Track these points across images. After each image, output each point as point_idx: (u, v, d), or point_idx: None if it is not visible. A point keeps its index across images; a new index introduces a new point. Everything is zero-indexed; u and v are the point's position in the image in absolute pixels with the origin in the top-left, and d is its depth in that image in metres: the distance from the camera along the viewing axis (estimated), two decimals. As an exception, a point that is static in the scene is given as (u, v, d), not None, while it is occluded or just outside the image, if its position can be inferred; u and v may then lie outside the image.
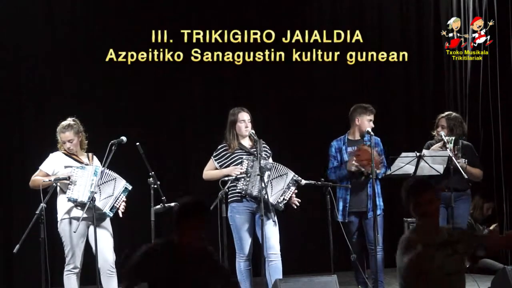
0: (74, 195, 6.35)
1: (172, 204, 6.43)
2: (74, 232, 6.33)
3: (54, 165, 6.52)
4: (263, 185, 6.36)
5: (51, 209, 6.46)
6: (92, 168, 6.42)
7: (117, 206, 6.46)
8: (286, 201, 6.62)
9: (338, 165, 7.07)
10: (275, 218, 6.52)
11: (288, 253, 7.17)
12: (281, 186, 6.59)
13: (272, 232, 6.55)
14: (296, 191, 6.66)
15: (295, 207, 6.70)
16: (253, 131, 6.69)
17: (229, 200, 6.65)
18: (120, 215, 6.51)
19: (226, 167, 6.70)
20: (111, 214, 6.45)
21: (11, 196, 8.43)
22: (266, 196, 6.39)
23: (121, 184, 6.48)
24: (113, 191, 6.43)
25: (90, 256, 6.45)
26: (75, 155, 6.59)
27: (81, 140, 6.61)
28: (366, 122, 7.07)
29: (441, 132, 7.15)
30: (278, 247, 6.59)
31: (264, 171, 6.43)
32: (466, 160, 7.14)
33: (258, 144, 6.52)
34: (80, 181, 6.36)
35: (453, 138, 7.08)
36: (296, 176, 6.62)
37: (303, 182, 6.66)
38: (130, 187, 6.52)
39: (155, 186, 6.40)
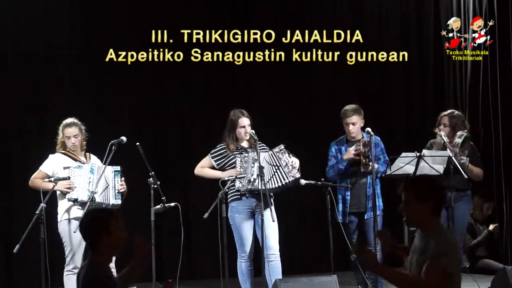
0: (74, 194, 6.37)
1: (172, 204, 6.46)
2: (74, 232, 6.33)
3: (53, 166, 6.53)
4: (262, 185, 6.37)
5: (51, 209, 6.47)
6: (88, 166, 6.44)
7: (119, 191, 6.47)
8: (295, 169, 6.59)
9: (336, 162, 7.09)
10: (275, 217, 6.53)
11: (288, 253, 7.18)
12: (272, 169, 6.58)
13: (271, 232, 6.56)
14: (291, 155, 6.66)
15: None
16: (253, 131, 6.69)
17: (228, 200, 6.65)
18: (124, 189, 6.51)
19: (222, 166, 6.73)
20: (119, 201, 6.47)
21: (11, 196, 8.42)
22: (265, 188, 6.37)
23: (109, 171, 6.48)
24: (107, 182, 6.44)
25: (90, 256, 6.45)
26: (74, 155, 6.59)
27: (83, 139, 6.63)
28: (346, 128, 7.07)
29: (441, 132, 7.15)
30: (277, 247, 6.60)
31: (259, 162, 6.44)
32: (468, 158, 7.14)
33: (255, 144, 6.53)
34: (78, 180, 6.37)
35: (464, 135, 7.04)
36: (274, 148, 6.62)
37: (303, 182, 6.66)
38: (118, 168, 6.52)
39: (155, 186, 6.41)
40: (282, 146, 6.65)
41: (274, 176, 6.59)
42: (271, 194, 6.62)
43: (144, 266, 4.22)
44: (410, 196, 4.05)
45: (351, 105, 7.13)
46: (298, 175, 6.61)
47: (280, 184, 6.57)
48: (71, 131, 6.56)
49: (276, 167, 6.59)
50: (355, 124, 7.02)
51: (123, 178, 6.53)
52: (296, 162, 6.66)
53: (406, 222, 4.15)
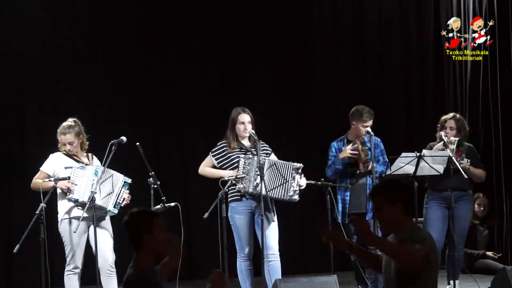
0: (75, 195, 6.35)
1: (172, 204, 6.45)
2: (74, 232, 6.33)
3: (54, 166, 6.52)
4: (263, 185, 6.36)
5: (51, 209, 6.46)
6: (92, 168, 6.42)
7: (120, 202, 6.45)
8: (298, 191, 6.60)
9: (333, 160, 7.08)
10: (275, 218, 6.53)
11: (288, 253, 7.18)
12: (280, 180, 6.57)
13: (271, 232, 6.56)
14: (302, 176, 6.62)
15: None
16: (253, 131, 6.68)
17: (229, 200, 6.65)
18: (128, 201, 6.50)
19: (223, 165, 6.70)
20: (116, 211, 6.42)
21: (11, 196, 8.42)
22: (266, 194, 6.38)
23: (119, 179, 6.46)
24: (113, 188, 6.42)
25: (90, 256, 6.46)
26: (76, 156, 6.58)
27: (82, 141, 6.59)
28: (361, 128, 7.02)
29: (441, 133, 7.14)
30: (276, 247, 6.59)
31: (263, 170, 6.43)
32: (469, 161, 7.13)
33: (257, 144, 6.52)
34: (80, 181, 6.35)
35: (457, 139, 7.04)
36: (295, 164, 6.60)
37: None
38: (129, 180, 6.50)
39: (155, 186, 6.40)
40: (301, 167, 6.63)
41: (279, 187, 6.57)
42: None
43: (176, 264, 4.44)
44: (381, 202, 4.06)
45: (365, 107, 7.06)
46: (295, 199, 6.62)
47: (278, 197, 6.56)
48: (66, 138, 6.50)
49: (285, 181, 6.57)
50: (367, 127, 7.01)
51: (128, 191, 6.52)
52: (303, 186, 6.65)
53: (383, 230, 4.15)
